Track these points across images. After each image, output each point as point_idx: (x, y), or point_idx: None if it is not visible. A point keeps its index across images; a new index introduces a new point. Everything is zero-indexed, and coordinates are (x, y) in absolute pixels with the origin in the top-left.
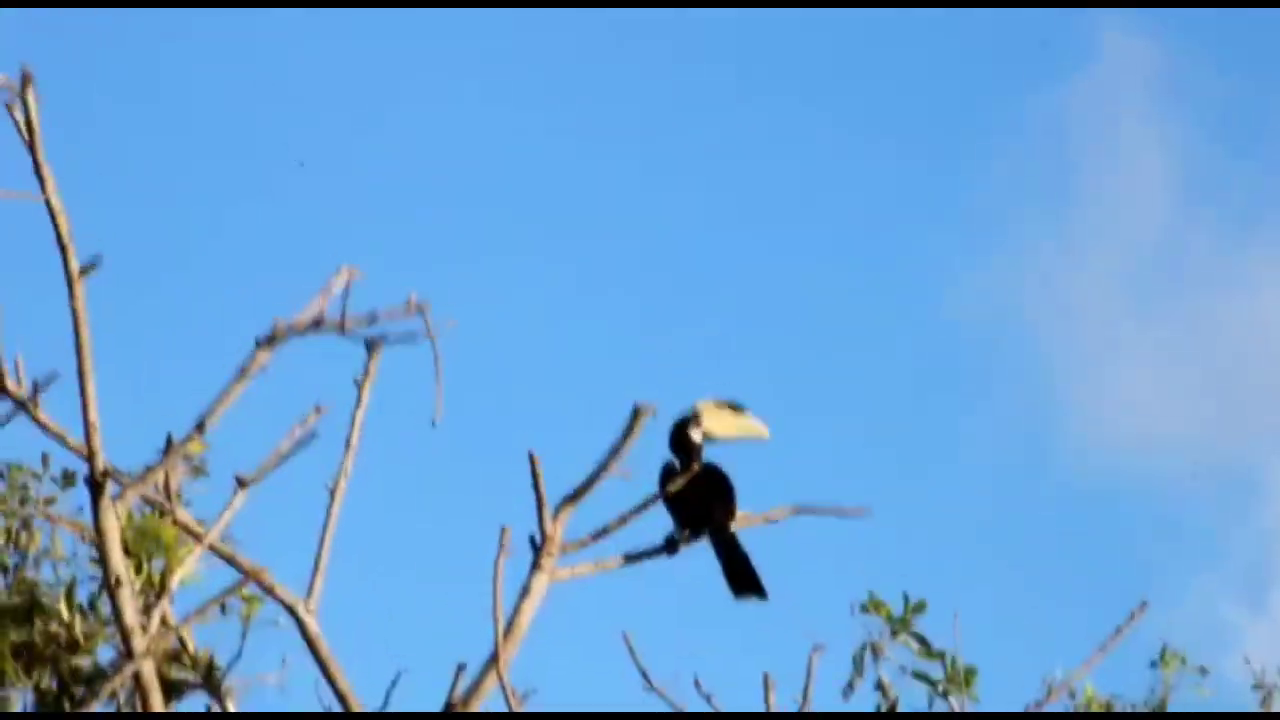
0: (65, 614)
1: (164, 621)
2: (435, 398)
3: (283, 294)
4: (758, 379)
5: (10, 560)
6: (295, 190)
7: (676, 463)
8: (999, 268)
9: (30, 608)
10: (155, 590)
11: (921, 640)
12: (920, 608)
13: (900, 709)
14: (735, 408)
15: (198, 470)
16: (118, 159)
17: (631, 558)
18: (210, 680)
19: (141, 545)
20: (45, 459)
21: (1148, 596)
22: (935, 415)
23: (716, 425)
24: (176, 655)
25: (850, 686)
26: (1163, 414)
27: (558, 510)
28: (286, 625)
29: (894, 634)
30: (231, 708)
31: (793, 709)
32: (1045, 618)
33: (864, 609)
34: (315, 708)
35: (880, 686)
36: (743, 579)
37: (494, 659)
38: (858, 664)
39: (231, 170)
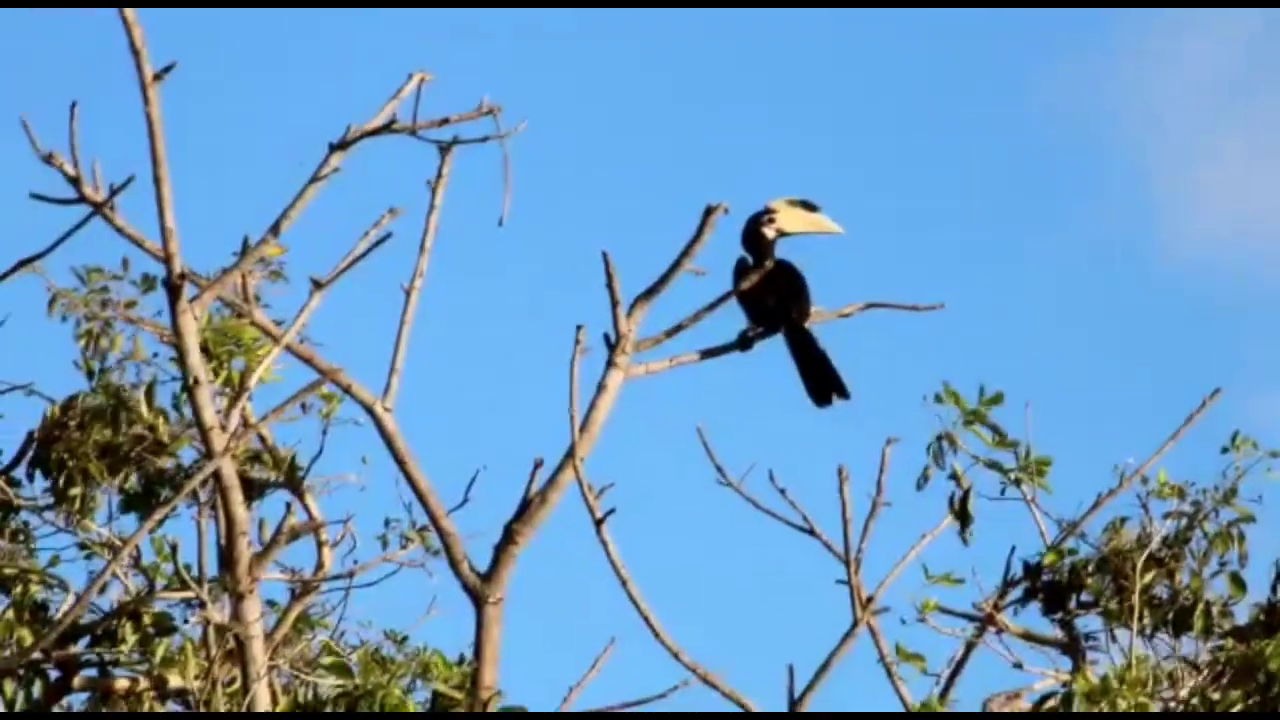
0: (147, 415)
1: (244, 421)
2: (504, 198)
3: (356, 99)
4: (836, 177)
5: (94, 364)
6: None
7: (750, 260)
8: (1089, 64)
9: (114, 409)
10: (234, 390)
11: (996, 430)
12: (997, 399)
13: (973, 498)
14: (809, 206)
15: (276, 274)
16: None
17: (706, 354)
18: (291, 478)
19: (221, 346)
20: (125, 263)
21: (1231, 386)
22: (1026, 214)
23: (790, 222)
24: (257, 455)
25: (925, 477)
26: (1253, 212)
27: (631, 308)
28: (366, 424)
29: (968, 424)
30: (312, 504)
31: (866, 502)
32: (1126, 410)
33: (938, 399)
34: (395, 505)
35: (954, 476)
36: (822, 382)
37: (570, 454)
38: (933, 455)
39: None
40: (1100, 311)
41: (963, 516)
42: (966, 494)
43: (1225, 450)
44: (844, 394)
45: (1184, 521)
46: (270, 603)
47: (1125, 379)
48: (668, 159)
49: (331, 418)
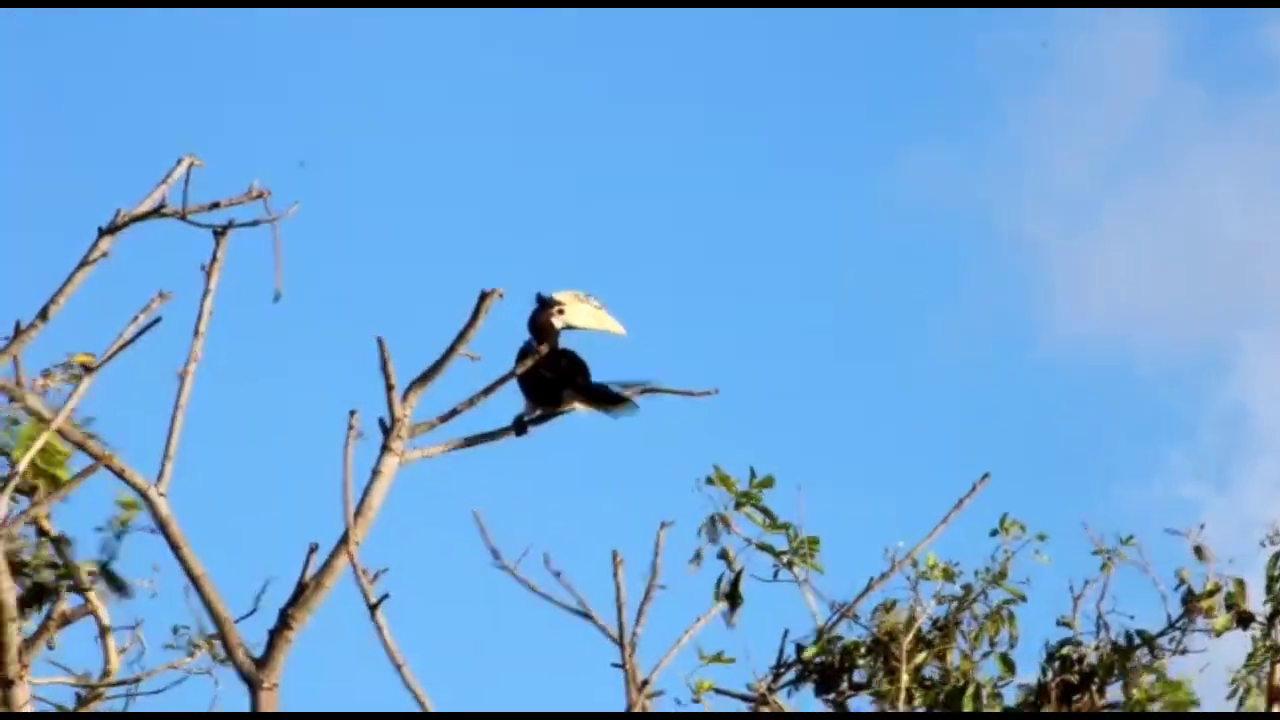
0: None
1: (23, 512)
2: (276, 275)
3: (125, 184)
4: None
5: None
6: (135, 79)
7: (534, 343)
8: (969, 146)
9: None
10: (4, 479)
11: (766, 512)
12: (767, 482)
13: (743, 580)
14: (592, 300)
15: (76, 377)
16: None
17: (480, 438)
18: (81, 583)
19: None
20: None
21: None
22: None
23: (575, 316)
24: (53, 563)
25: (698, 557)
26: (1138, 291)
27: (406, 392)
28: (158, 531)
29: (739, 507)
30: (101, 609)
31: (642, 585)
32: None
33: (709, 482)
34: (185, 609)
35: (724, 557)
36: (607, 398)
37: (345, 539)
38: (705, 535)
39: (72, 59)
40: (993, 396)
41: (732, 599)
42: (737, 577)
43: (994, 533)
44: (631, 407)
45: (954, 604)
46: (58, 708)
47: (919, 461)
48: (446, 243)
49: (128, 524)
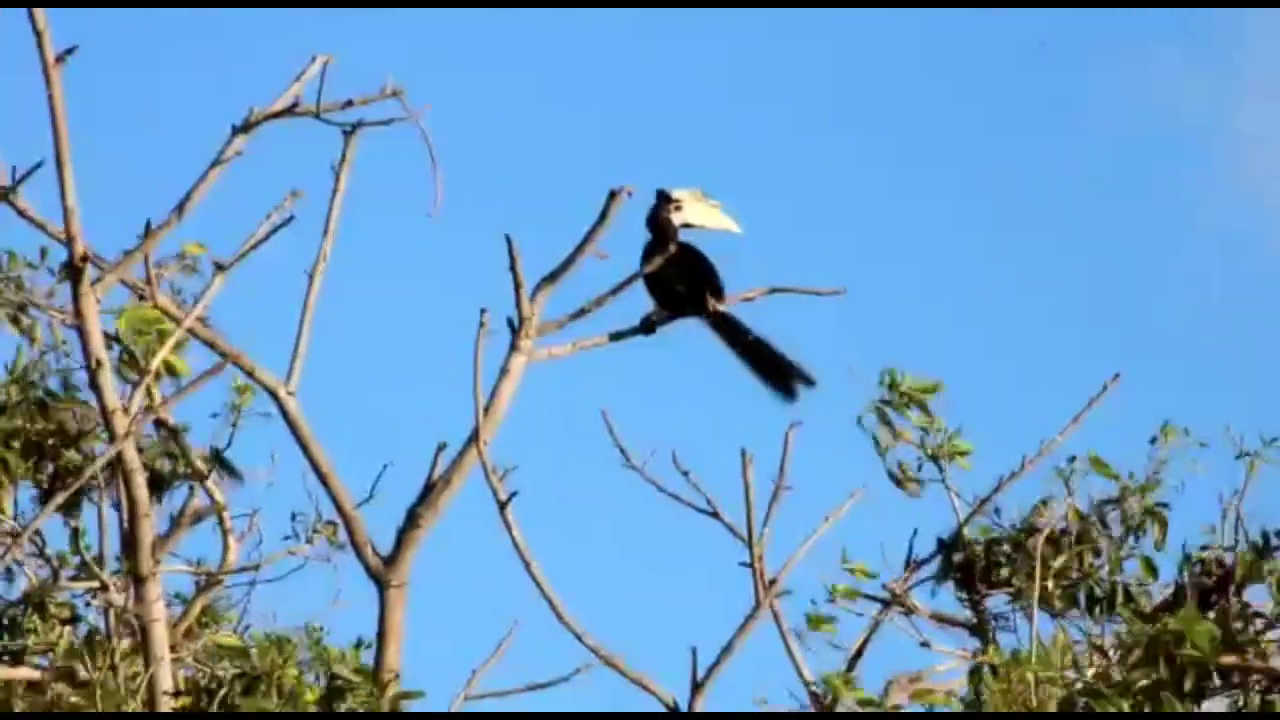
0: (61, 404)
1: (149, 406)
2: (432, 183)
3: (260, 82)
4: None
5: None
6: None
7: (655, 241)
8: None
9: (31, 401)
10: (140, 375)
11: (925, 409)
12: (933, 388)
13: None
14: (710, 199)
15: (190, 269)
16: None
17: (610, 337)
18: (204, 468)
19: (132, 334)
20: (44, 252)
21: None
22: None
23: (692, 213)
24: (168, 450)
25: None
26: None
27: (535, 291)
28: (276, 418)
29: (899, 407)
30: (219, 495)
31: (769, 485)
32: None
33: (880, 383)
34: (304, 499)
35: (880, 449)
36: (775, 369)
37: (474, 438)
38: (872, 429)
39: None
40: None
41: (902, 482)
42: (893, 474)
43: (1154, 441)
44: (808, 380)
45: (1102, 504)
46: (176, 595)
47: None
48: (575, 141)
49: (243, 410)
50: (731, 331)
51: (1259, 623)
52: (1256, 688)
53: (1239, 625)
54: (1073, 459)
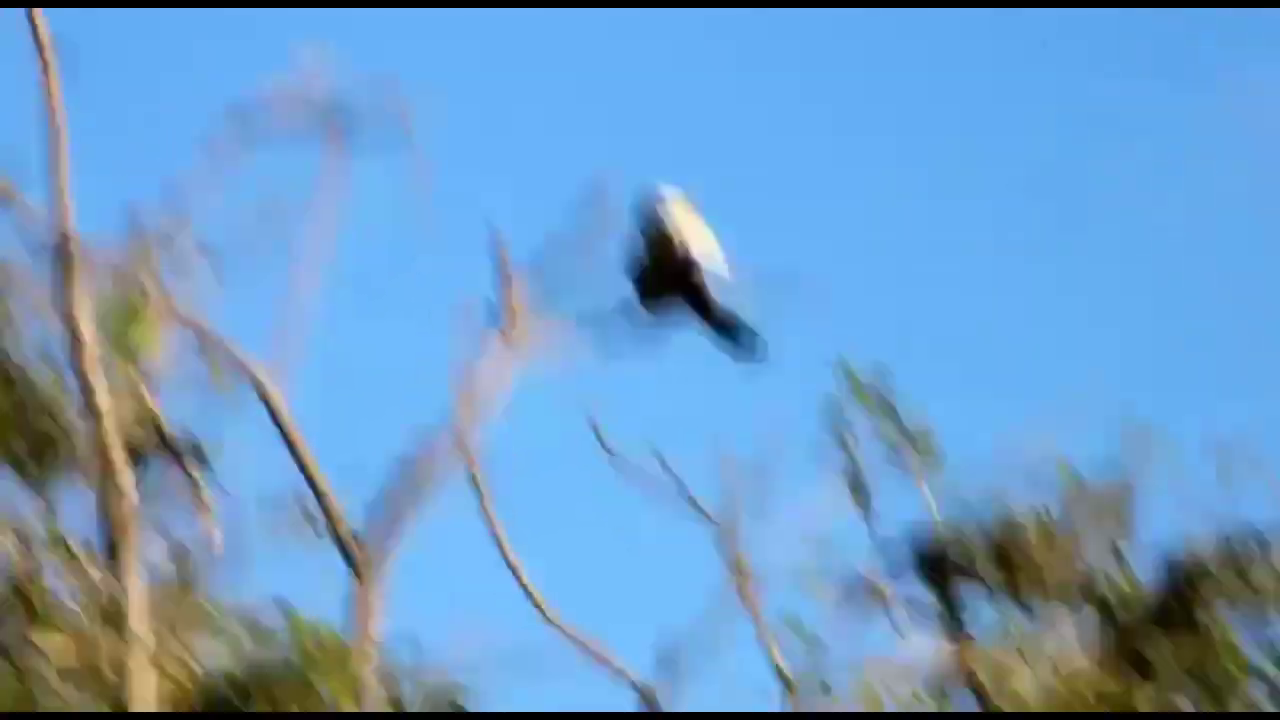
0: (40, 380)
1: (132, 387)
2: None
3: (257, 78)
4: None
5: None
6: None
7: (644, 237)
8: None
9: (9, 376)
10: (124, 357)
11: (888, 406)
12: (885, 375)
13: (864, 471)
14: (690, 203)
15: (175, 255)
16: None
17: (595, 328)
18: (180, 450)
19: (116, 318)
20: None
21: None
22: None
23: (677, 212)
24: (147, 426)
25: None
26: None
27: (523, 285)
28: (255, 402)
29: (861, 399)
30: (194, 473)
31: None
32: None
33: (835, 372)
34: (286, 484)
35: (844, 446)
36: (734, 336)
37: (459, 431)
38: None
39: None
40: None
41: (857, 490)
42: (858, 469)
43: (1120, 435)
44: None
45: (1070, 497)
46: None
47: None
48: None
49: (225, 394)
50: (706, 307)
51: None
52: None
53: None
54: (1041, 458)
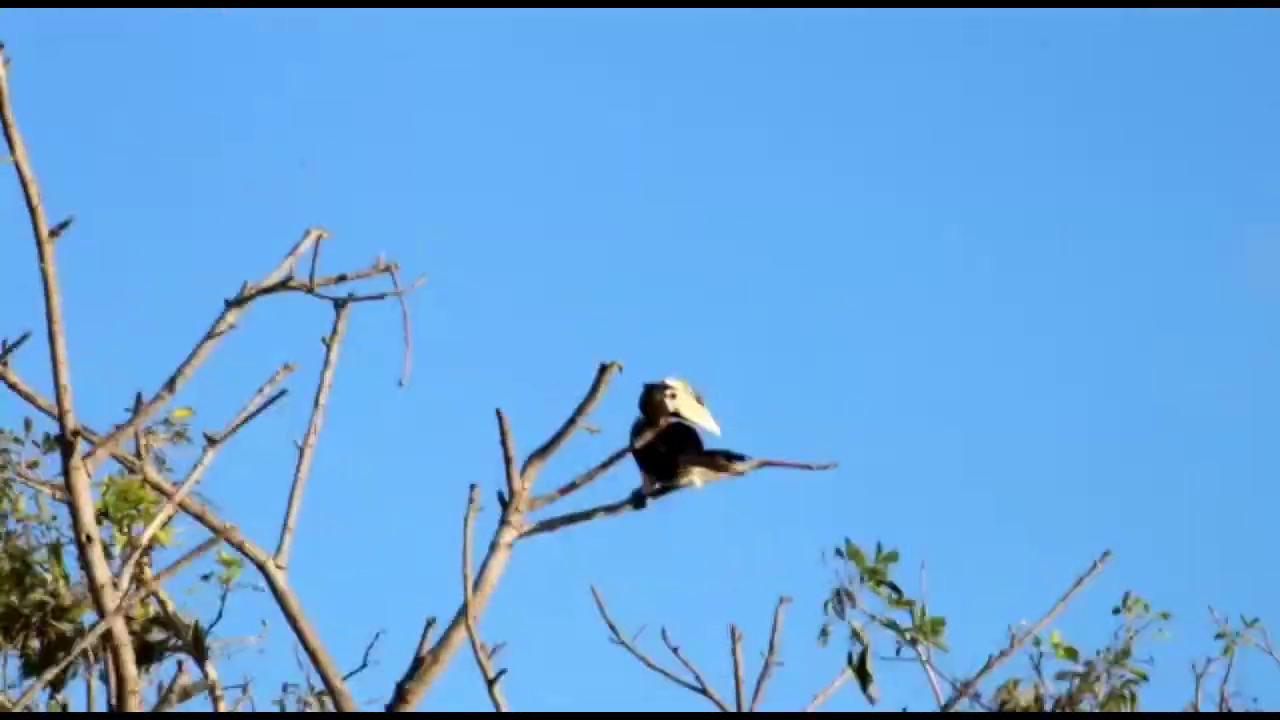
0: (49, 578)
1: (138, 580)
2: (404, 357)
3: (252, 256)
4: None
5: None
6: (263, 153)
7: (646, 420)
8: None
9: (18, 572)
10: (129, 550)
11: (893, 588)
12: (892, 557)
13: (870, 656)
14: (698, 395)
15: (179, 435)
16: (87, 121)
17: (599, 512)
18: (193, 642)
19: (121, 511)
20: (28, 424)
21: None
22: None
23: (682, 404)
24: (157, 619)
25: (825, 633)
26: None
27: (525, 466)
28: (265, 590)
29: (866, 581)
30: (210, 669)
31: (760, 661)
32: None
33: (838, 554)
34: (293, 668)
35: (854, 633)
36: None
37: (463, 613)
38: (832, 610)
39: (200, 132)
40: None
41: (862, 674)
42: (865, 651)
43: (1116, 611)
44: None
45: (1076, 682)
46: None
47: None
48: (565, 316)
49: (232, 583)
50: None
51: None
52: None
53: None
54: (1038, 642)
